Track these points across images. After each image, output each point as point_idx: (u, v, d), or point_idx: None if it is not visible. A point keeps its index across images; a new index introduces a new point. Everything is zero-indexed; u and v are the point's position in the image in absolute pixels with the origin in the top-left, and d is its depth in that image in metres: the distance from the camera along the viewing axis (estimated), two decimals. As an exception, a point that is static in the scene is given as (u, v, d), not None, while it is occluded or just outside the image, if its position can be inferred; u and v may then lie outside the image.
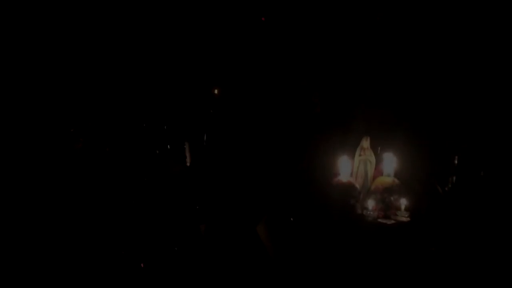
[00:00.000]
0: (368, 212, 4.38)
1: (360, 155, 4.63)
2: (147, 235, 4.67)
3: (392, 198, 4.46)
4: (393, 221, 4.37)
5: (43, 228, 4.63)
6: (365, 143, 4.65)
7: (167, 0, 5.75)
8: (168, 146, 5.37)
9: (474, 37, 5.42)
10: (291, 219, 4.61)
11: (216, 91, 5.86)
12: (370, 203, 4.41)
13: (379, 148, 4.81)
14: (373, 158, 4.65)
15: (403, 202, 4.43)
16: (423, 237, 4.45)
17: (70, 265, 4.38)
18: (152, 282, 4.41)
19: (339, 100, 5.63)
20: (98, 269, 4.41)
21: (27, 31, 5.37)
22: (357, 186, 4.52)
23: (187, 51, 5.85)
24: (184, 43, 5.85)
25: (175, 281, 4.43)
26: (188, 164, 5.30)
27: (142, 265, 4.50)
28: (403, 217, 4.40)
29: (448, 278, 4.28)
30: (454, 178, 5.25)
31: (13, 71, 5.31)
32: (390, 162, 4.60)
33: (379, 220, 4.38)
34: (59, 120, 5.36)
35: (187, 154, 5.34)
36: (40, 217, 4.71)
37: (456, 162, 5.30)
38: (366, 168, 4.62)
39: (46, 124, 5.30)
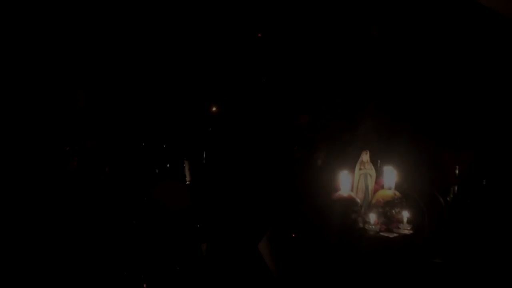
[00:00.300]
0: (370, 226, 4.35)
1: (360, 169, 4.62)
2: (148, 255, 4.64)
3: (393, 211, 4.43)
4: (395, 234, 4.34)
5: (41, 252, 4.59)
6: (365, 157, 4.64)
7: (163, 23, 5.79)
8: (168, 165, 5.36)
9: (473, 46, 5.45)
10: (293, 235, 4.59)
11: (214, 109, 5.87)
12: (372, 217, 4.38)
13: (379, 161, 4.80)
14: (373, 172, 4.64)
15: (405, 215, 4.40)
16: (427, 249, 4.42)
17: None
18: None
19: (340, 114, 5.65)
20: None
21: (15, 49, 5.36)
22: (358, 200, 4.50)
23: (187, 69, 5.89)
24: (183, 61, 5.88)
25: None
26: (187, 182, 5.29)
27: (144, 285, 4.47)
28: (406, 229, 4.37)
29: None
30: (456, 188, 5.25)
31: (8, 85, 5.30)
32: (391, 175, 4.59)
33: (381, 233, 4.34)
34: (55, 138, 5.34)
35: (187, 173, 5.34)
36: (38, 239, 4.67)
37: (457, 172, 5.29)
38: (366, 182, 4.60)
39: (41, 141, 5.27)
